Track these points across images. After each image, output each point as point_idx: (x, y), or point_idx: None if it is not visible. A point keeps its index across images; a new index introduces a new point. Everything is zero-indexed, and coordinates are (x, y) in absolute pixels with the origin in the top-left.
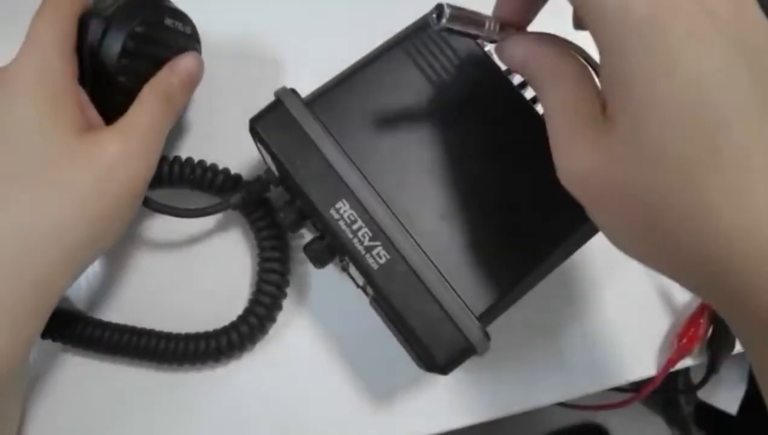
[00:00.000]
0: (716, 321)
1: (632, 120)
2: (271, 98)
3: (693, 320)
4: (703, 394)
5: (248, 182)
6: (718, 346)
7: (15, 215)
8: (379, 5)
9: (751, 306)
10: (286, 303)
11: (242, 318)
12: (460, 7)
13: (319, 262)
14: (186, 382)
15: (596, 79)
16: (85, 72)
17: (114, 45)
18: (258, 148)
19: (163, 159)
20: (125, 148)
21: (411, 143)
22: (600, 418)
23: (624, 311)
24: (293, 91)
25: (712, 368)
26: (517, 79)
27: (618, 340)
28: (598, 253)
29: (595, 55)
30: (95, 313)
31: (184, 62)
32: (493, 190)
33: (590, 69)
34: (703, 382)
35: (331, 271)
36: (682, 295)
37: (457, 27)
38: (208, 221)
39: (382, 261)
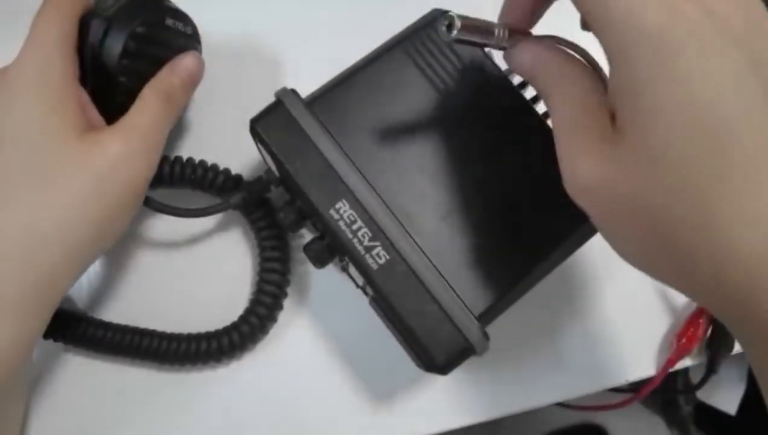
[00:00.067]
0: (715, 321)
1: (640, 131)
2: (272, 98)
3: (692, 320)
4: (702, 395)
5: (249, 182)
6: (717, 346)
7: (17, 215)
8: (380, 5)
9: (757, 312)
10: (287, 303)
11: (243, 318)
12: (469, 17)
13: (319, 262)
14: (187, 382)
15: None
16: (86, 72)
17: (115, 45)
18: (258, 148)
19: (164, 159)
20: (126, 148)
21: (411, 143)
22: (599, 418)
23: (623, 311)
24: (293, 92)
25: (711, 368)
26: (516, 80)
27: (617, 340)
28: (598, 253)
29: (601, 61)
30: (96, 313)
31: (184, 62)
32: (493, 190)
33: (599, 77)
34: (703, 382)
35: (331, 271)
36: (681, 296)
37: (467, 37)
38: (209, 221)
39: (382, 261)
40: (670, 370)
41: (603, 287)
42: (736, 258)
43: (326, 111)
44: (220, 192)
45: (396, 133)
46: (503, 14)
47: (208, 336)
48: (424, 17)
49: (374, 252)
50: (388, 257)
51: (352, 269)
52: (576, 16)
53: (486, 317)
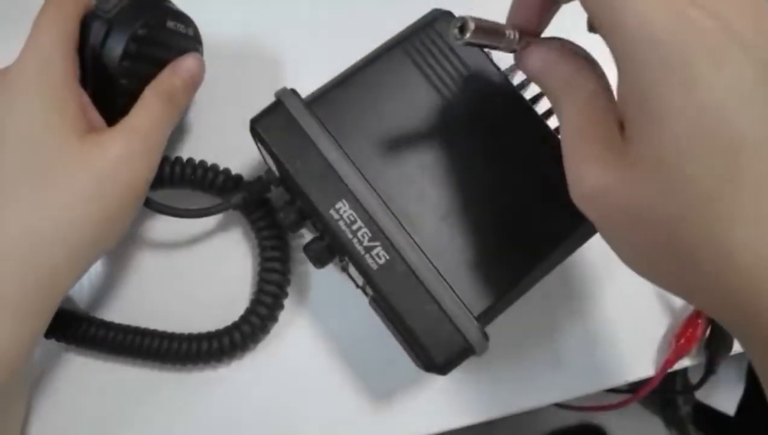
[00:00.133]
0: (714, 322)
1: (649, 139)
2: (272, 99)
3: (691, 321)
4: (700, 395)
5: (249, 183)
6: (716, 346)
7: (17, 215)
8: (380, 5)
9: (762, 323)
10: (287, 302)
11: (244, 317)
12: (482, 19)
13: (319, 262)
14: (188, 381)
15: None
16: (87, 73)
17: (116, 47)
18: (258, 148)
19: (164, 160)
20: (127, 149)
21: (411, 143)
22: (598, 418)
23: (622, 312)
24: (293, 92)
25: (710, 369)
26: (516, 80)
27: (616, 341)
28: (597, 253)
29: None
30: (97, 313)
31: (185, 63)
32: (492, 190)
33: (608, 84)
34: (701, 382)
35: (331, 271)
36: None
37: (478, 40)
38: (209, 221)
39: (382, 261)
40: (669, 370)
41: (602, 288)
42: (745, 271)
43: (326, 111)
44: (221, 192)
45: (396, 133)
46: (511, 16)
47: (209, 336)
48: (424, 17)
49: (374, 252)
50: (387, 257)
51: (352, 269)
52: (582, 18)
53: (485, 317)
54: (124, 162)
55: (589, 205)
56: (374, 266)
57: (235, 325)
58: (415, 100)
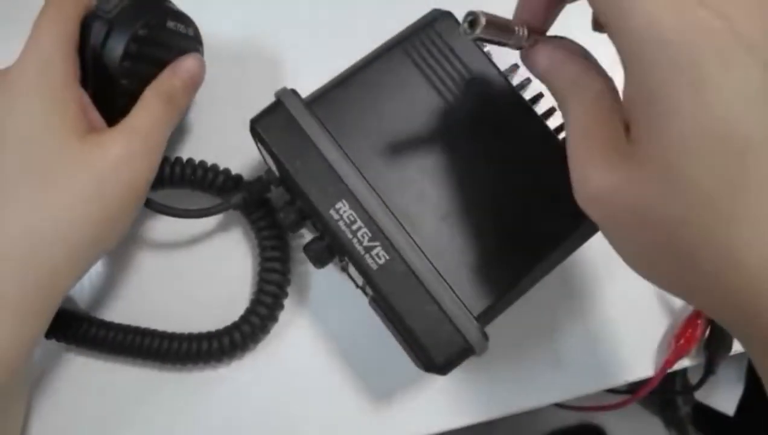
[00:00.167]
0: (714, 322)
1: (655, 141)
2: (272, 99)
3: (690, 321)
4: (700, 395)
5: (249, 183)
6: (715, 347)
7: (17, 215)
8: (380, 5)
9: (763, 323)
10: (287, 302)
11: (244, 317)
12: (493, 15)
13: (319, 262)
14: (189, 381)
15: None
16: (87, 74)
17: (116, 48)
18: (258, 148)
19: (164, 160)
20: (127, 149)
21: (410, 144)
22: (598, 418)
23: (622, 312)
24: (293, 92)
25: (709, 369)
26: (516, 80)
27: (616, 341)
28: (597, 254)
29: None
30: (98, 313)
31: (186, 64)
32: (492, 190)
33: (614, 85)
34: (701, 383)
35: (331, 271)
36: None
37: (488, 36)
38: (210, 222)
39: (382, 261)
40: (669, 370)
41: (602, 288)
42: (750, 275)
43: (326, 111)
44: (221, 192)
45: (396, 133)
46: (518, 13)
47: (210, 336)
48: (424, 17)
49: (374, 252)
50: (387, 257)
51: (351, 269)
52: (584, 17)
53: (485, 317)
54: (125, 162)
55: (594, 206)
56: (374, 266)
57: (235, 325)
58: (415, 100)
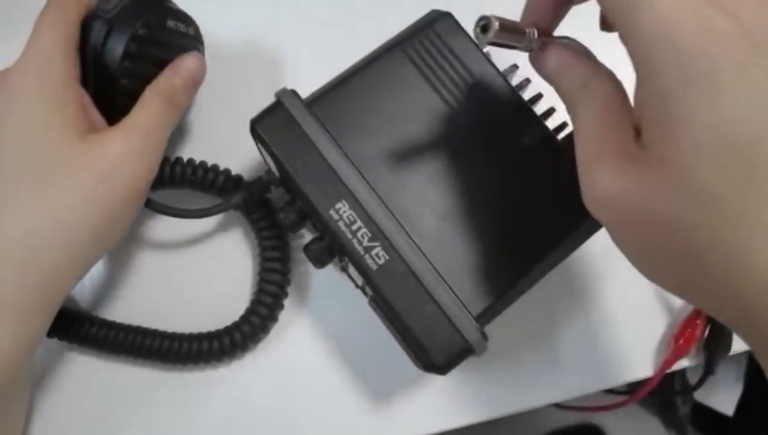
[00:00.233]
0: (713, 322)
1: (668, 146)
2: (272, 99)
3: (690, 321)
4: (699, 395)
5: (249, 183)
6: (714, 347)
7: (18, 215)
8: (380, 6)
9: None
10: (287, 302)
11: (245, 317)
12: (505, 18)
13: (319, 262)
14: (189, 381)
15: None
16: (87, 74)
17: (116, 47)
18: (259, 148)
19: (164, 160)
20: (127, 148)
21: (410, 144)
22: (597, 418)
23: (621, 312)
24: (293, 92)
25: (708, 369)
26: (515, 80)
27: (615, 341)
28: (596, 253)
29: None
30: (98, 312)
31: (186, 63)
32: (492, 190)
33: (624, 88)
34: (700, 383)
35: (331, 271)
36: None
37: (500, 40)
38: (210, 222)
39: (381, 261)
40: (668, 371)
41: (601, 288)
42: (761, 282)
43: (326, 111)
44: (221, 192)
45: (395, 134)
46: (526, 15)
47: (210, 336)
48: (423, 18)
49: (373, 252)
50: (387, 257)
51: (351, 269)
52: (590, 17)
53: (484, 317)
54: (125, 161)
55: (602, 209)
56: (374, 266)
57: (236, 325)
58: (415, 101)
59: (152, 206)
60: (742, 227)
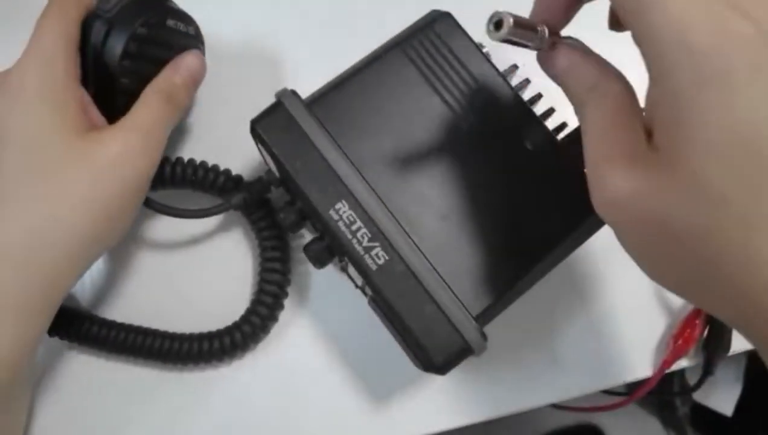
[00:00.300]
0: (712, 322)
1: (681, 150)
2: (272, 99)
3: (689, 321)
4: (698, 396)
5: (249, 183)
6: (713, 347)
7: (18, 214)
8: (380, 6)
9: None
10: (287, 302)
11: (245, 317)
12: (518, 15)
13: (319, 262)
14: (189, 381)
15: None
16: (88, 73)
17: (116, 47)
18: (259, 149)
19: (165, 160)
20: (126, 146)
21: (410, 144)
22: (595, 418)
23: (620, 312)
24: (294, 93)
25: (707, 370)
26: (515, 81)
27: (614, 341)
28: (595, 254)
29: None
30: (99, 312)
31: (185, 61)
32: (491, 191)
33: (633, 89)
34: (699, 383)
35: (331, 271)
36: (678, 297)
37: (513, 37)
38: (210, 222)
39: (381, 262)
40: (667, 371)
41: (600, 288)
42: (766, 275)
43: (326, 112)
44: (221, 193)
45: (395, 134)
46: (536, 12)
47: (211, 336)
48: (423, 18)
49: (373, 252)
50: (387, 258)
51: (351, 269)
52: (594, 16)
53: (484, 318)
54: (124, 159)
55: (611, 211)
56: (373, 266)
57: (236, 325)
58: (415, 101)
59: (152, 206)
60: (754, 230)
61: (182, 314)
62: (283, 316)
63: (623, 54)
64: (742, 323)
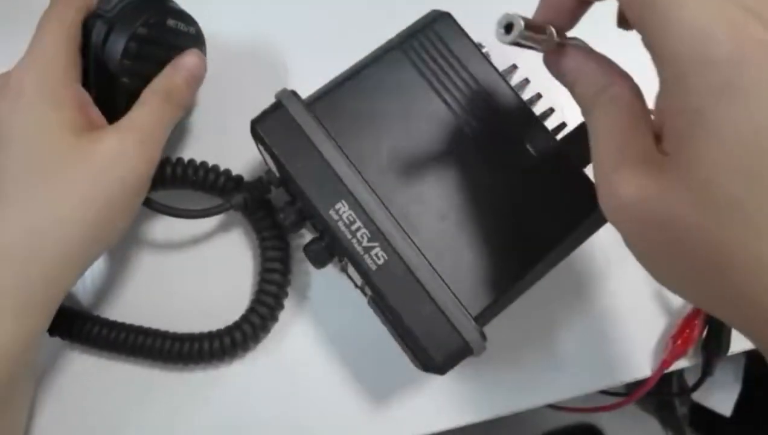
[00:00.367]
0: (711, 323)
1: (693, 157)
2: (272, 100)
3: (688, 322)
4: (697, 396)
5: (249, 183)
6: (712, 347)
7: (18, 214)
8: (380, 6)
9: None
10: (287, 302)
11: (245, 317)
12: (528, 18)
13: (319, 262)
14: (190, 380)
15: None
16: (89, 73)
17: (116, 47)
18: (259, 149)
19: (165, 160)
20: (124, 145)
21: (410, 144)
22: (595, 419)
23: (619, 312)
24: (293, 93)
25: (706, 370)
26: (515, 81)
27: (613, 341)
28: (594, 254)
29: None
30: (99, 312)
31: (185, 60)
32: (491, 191)
33: (642, 93)
34: (698, 384)
35: (331, 270)
36: (677, 297)
37: (522, 39)
38: (210, 222)
39: (380, 262)
40: (666, 371)
41: (599, 288)
42: None
43: (326, 112)
44: (222, 193)
45: (394, 134)
46: (542, 13)
47: (211, 335)
48: (423, 18)
49: (373, 252)
50: (386, 258)
51: (351, 269)
52: (594, 16)
53: (483, 318)
54: (123, 158)
55: (620, 217)
56: (373, 266)
57: (237, 325)
58: (414, 102)
59: (152, 206)
60: (765, 236)
61: (182, 314)
62: (283, 316)
63: (623, 54)
64: (749, 327)
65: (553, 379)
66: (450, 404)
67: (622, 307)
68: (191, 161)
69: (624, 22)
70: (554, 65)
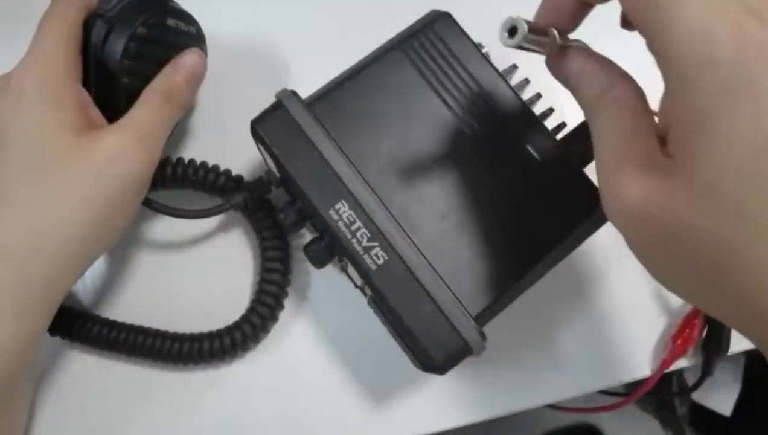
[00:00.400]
0: (711, 323)
1: (699, 161)
2: (272, 100)
3: (688, 321)
4: (697, 396)
5: (249, 183)
6: (712, 347)
7: (18, 213)
8: (380, 6)
9: None
10: (287, 302)
11: (245, 317)
12: (531, 21)
13: (319, 262)
14: (190, 380)
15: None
16: (89, 73)
17: (116, 46)
18: (259, 149)
19: (165, 160)
20: (123, 145)
21: (410, 144)
22: (594, 419)
23: (619, 312)
24: (294, 93)
25: (706, 370)
26: (514, 81)
27: (613, 341)
28: (594, 254)
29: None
30: (99, 312)
31: (185, 60)
32: (491, 191)
33: (645, 95)
34: (698, 384)
35: (331, 270)
36: (677, 297)
37: (526, 43)
38: (210, 222)
39: (380, 262)
40: (665, 371)
41: (599, 288)
42: None
43: (326, 112)
44: (222, 193)
45: (395, 134)
46: (543, 15)
47: (211, 335)
48: (423, 18)
49: (373, 252)
50: (386, 258)
51: (351, 269)
52: (596, 18)
53: (483, 317)
54: (123, 158)
55: (624, 220)
56: (373, 266)
57: (237, 325)
58: (414, 102)
59: (152, 206)
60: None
61: (182, 314)
62: (283, 316)
63: (625, 57)
64: (749, 328)
65: (553, 379)
66: (450, 404)
67: (622, 307)
68: (191, 161)
69: (627, 23)
70: (557, 67)
